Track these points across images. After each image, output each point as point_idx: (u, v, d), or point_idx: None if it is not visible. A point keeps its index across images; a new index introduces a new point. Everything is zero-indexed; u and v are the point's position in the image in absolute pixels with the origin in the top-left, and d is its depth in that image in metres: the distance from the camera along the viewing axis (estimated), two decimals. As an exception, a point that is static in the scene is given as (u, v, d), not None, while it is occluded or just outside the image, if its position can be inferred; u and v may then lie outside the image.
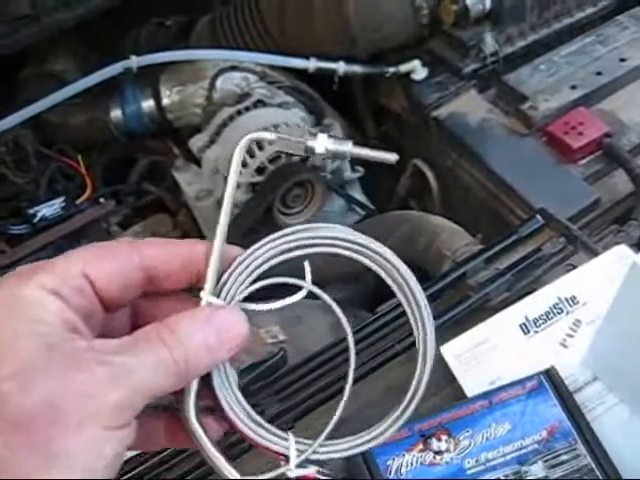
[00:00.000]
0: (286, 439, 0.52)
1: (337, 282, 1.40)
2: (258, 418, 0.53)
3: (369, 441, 0.55)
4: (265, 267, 0.53)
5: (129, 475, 0.92)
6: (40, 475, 0.42)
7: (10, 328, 0.44)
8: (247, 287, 0.53)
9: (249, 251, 0.53)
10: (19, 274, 0.47)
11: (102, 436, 0.43)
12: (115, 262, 0.49)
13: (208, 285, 0.51)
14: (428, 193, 1.51)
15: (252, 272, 0.53)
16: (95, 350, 0.45)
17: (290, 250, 0.54)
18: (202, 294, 0.51)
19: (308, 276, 0.56)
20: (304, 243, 0.54)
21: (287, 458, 0.51)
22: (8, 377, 0.42)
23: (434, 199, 1.48)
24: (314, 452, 0.53)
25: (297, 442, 0.52)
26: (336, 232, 0.54)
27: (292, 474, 0.51)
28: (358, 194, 1.48)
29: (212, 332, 0.49)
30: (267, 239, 0.53)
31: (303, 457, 0.51)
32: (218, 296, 0.51)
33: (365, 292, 1.41)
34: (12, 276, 0.47)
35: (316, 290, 0.56)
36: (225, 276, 0.52)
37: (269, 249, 0.53)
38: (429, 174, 1.48)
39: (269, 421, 0.91)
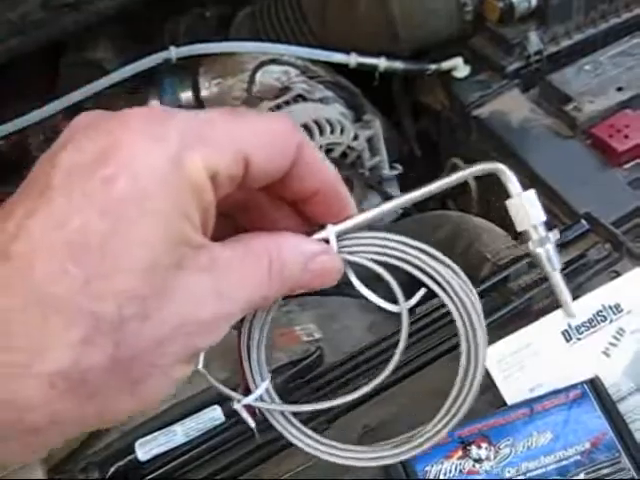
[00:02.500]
0: None
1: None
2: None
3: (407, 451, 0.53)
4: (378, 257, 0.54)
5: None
6: None
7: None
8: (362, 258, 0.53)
9: (380, 233, 0.53)
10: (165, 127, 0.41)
11: None
12: (276, 146, 0.44)
13: (342, 226, 0.51)
14: (466, 193, 1.49)
15: (371, 250, 0.53)
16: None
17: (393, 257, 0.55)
18: (329, 228, 0.50)
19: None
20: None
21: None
22: None
23: (472, 200, 1.46)
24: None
25: None
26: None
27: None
28: (395, 191, 1.46)
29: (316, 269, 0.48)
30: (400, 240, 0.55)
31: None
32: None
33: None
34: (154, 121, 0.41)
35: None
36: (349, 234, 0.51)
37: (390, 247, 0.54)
38: (468, 174, 1.45)
39: (305, 421, 0.90)
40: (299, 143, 0.45)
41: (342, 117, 1.30)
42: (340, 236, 0.52)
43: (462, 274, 0.55)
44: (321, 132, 1.24)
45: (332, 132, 1.25)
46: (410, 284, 1.33)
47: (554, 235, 0.54)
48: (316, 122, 1.25)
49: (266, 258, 0.45)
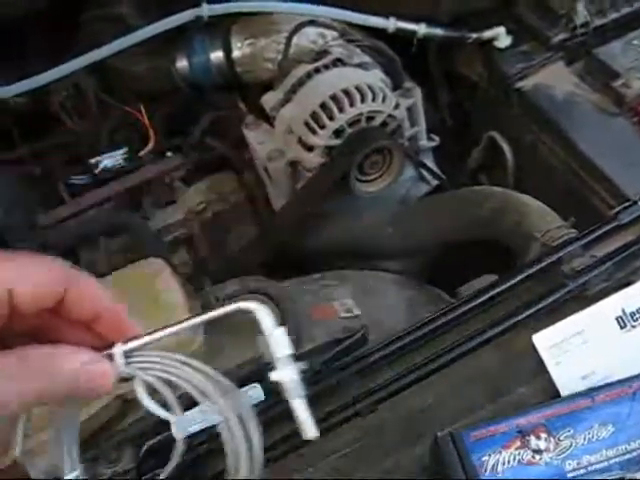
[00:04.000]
0: None
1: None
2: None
3: None
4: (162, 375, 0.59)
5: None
6: None
7: None
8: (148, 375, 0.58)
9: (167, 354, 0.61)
10: None
11: None
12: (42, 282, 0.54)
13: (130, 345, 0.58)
14: (501, 168, 1.44)
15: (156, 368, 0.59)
16: None
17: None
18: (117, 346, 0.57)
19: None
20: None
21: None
22: None
23: (508, 175, 1.41)
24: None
25: None
26: None
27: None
28: (430, 163, 1.41)
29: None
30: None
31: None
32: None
33: (426, 264, 1.35)
34: None
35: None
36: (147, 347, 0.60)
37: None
38: (506, 148, 1.41)
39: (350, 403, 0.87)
40: (67, 277, 0.55)
41: (383, 84, 1.25)
42: (131, 352, 0.58)
43: (237, 393, 0.63)
44: (362, 99, 1.19)
45: (374, 100, 1.19)
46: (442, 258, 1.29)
47: (299, 366, 0.62)
48: (358, 88, 1.19)
49: (38, 362, 0.53)
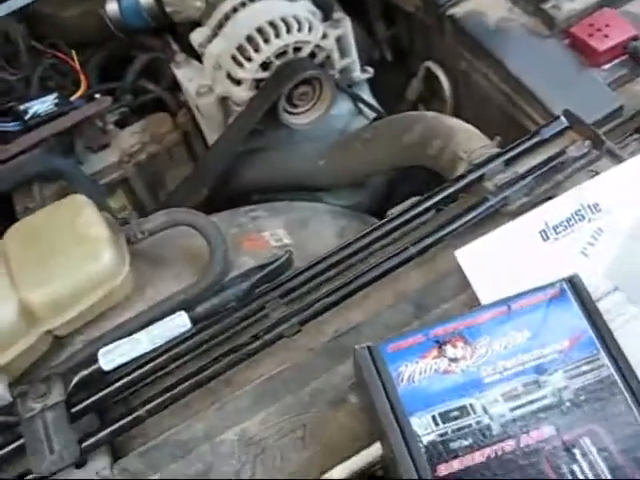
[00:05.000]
0: None
1: (346, 189, 1.35)
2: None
3: None
4: None
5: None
6: None
7: None
8: None
9: None
10: None
11: None
12: None
13: None
14: (439, 98, 1.44)
15: None
16: None
17: None
18: None
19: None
20: None
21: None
22: None
23: (446, 104, 1.42)
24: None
25: None
26: None
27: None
28: (367, 96, 1.40)
29: None
30: None
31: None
32: None
33: (374, 198, 1.36)
34: None
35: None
36: None
37: None
38: (442, 77, 1.41)
39: (276, 324, 0.87)
40: None
41: (310, 15, 1.23)
42: None
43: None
44: (288, 30, 1.18)
45: (300, 30, 1.18)
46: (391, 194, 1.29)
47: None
48: (283, 20, 1.18)
49: None
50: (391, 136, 1.18)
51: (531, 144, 1.00)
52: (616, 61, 1.26)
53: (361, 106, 1.40)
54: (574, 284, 0.83)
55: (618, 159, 1.00)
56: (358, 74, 1.36)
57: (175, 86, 1.38)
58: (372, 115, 1.40)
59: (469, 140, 1.08)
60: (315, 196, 1.32)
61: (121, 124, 1.38)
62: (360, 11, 1.56)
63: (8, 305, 0.92)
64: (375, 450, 0.83)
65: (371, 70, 1.38)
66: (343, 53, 1.30)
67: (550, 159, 0.98)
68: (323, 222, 1.14)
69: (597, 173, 0.98)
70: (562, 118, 1.02)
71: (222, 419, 0.87)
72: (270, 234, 1.06)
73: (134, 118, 1.40)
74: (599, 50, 1.24)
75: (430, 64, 1.43)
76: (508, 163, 0.99)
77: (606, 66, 1.26)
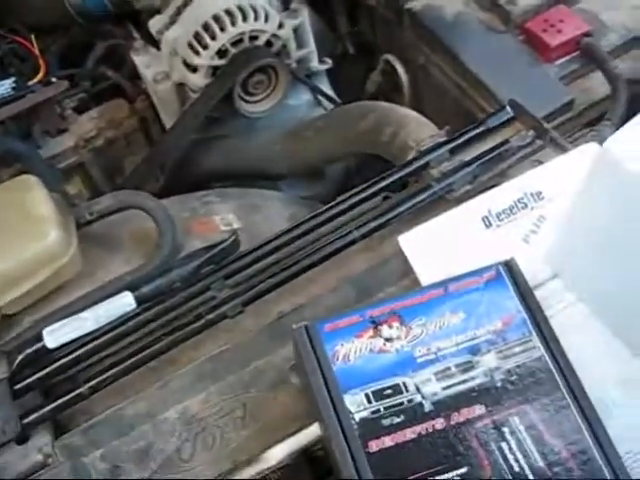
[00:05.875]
0: None
1: (303, 178, 1.36)
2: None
3: None
4: None
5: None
6: None
7: None
8: None
9: None
10: None
11: None
12: None
13: None
14: (398, 91, 1.46)
15: None
16: None
17: None
18: None
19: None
20: None
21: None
22: None
23: (404, 96, 1.43)
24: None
25: None
26: None
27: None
28: (326, 88, 1.42)
29: None
30: None
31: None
32: None
33: (332, 189, 1.37)
34: None
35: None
36: None
37: None
38: (400, 70, 1.43)
39: (220, 304, 0.88)
40: None
41: (267, 4, 1.25)
42: None
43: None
44: (244, 18, 1.19)
45: (256, 19, 1.20)
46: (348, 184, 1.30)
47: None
48: (240, 8, 1.20)
49: None
50: (344, 123, 1.20)
51: (476, 133, 1.02)
52: (569, 57, 1.29)
53: (320, 97, 1.41)
54: (510, 267, 0.85)
55: (562, 149, 1.02)
56: (316, 64, 1.37)
57: (135, 74, 1.39)
58: (330, 107, 1.41)
59: (419, 129, 1.10)
60: (274, 186, 1.33)
61: (79, 110, 1.38)
62: (324, 5, 1.58)
63: (-46, 283, 0.92)
64: (314, 430, 0.85)
65: (329, 61, 1.40)
66: (300, 43, 1.31)
67: (494, 148, 1.00)
68: (274, 208, 1.16)
69: (541, 162, 1.00)
70: (508, 108, 1.04)
71: (164, 397, 0.88)
72: (220, 218, 1.08)
73: (92, 105, 1.40)
74: (552, 45, 1.27)
75: (389, 57, 1.45)
76: (454, 151, 1.00)
77: (559, 61, 1.28)
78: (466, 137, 1.01)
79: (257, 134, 1.30)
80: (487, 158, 0.98)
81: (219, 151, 1.30)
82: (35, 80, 1.33)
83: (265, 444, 0.85)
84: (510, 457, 0.74)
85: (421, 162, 0.98)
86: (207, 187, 1.28)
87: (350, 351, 0.79)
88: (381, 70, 1.48)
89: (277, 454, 0.85)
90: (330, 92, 1.41)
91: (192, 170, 1.31)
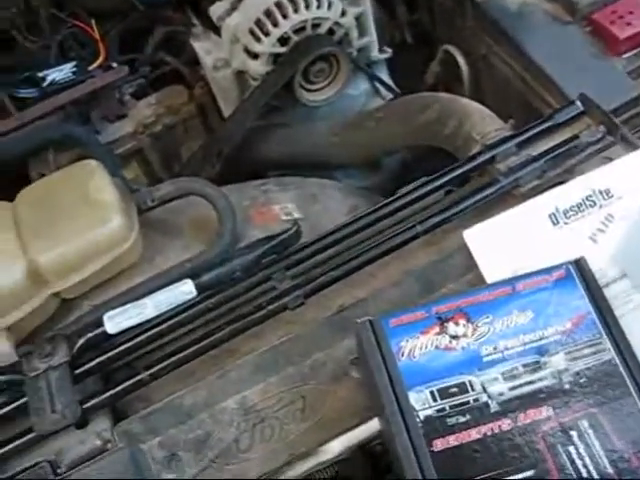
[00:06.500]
0: None
1: (359, 169, 1.35)
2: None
3: None
4: None
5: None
6: None
7: None
8: None
9: None
10: None
11: None
12: None
13: None
14: (458, 81, 1.44)
15: None
16: None
17: None
18: None
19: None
20: None
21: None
22: None
23: (464, 88, 1.41)
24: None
25: None
26: None
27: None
28: (385, 77, 1.40)
29: None
30: None
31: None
32: None
33: (388, 180, 1.36)
34: None
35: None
36: None
37: None
38: (461, 61, 1.40)
39: (281, 295, 0.88)
40: None
41: (332, -6, 1.23)
42: None
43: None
44: (307, 6, 1.18)
45: (319, 6, 1.18)
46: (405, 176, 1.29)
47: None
48: (303, -5, 1.18)
49: None
50: (406, 115, 1.18)
51: (545, 127, 0.99)
52: (637, 50, 1.25)
53: (378, 87, 1.39)
54: (580, 267, 0.83)
55: (632, 146, 0.99)
56: (376, 54, 1.35)
57: (194, 60, 1.38)
58: (389, 96, 1.40)
59: (483, 122, 1.07)
60: (330, 175, 1.32)
61: (138, 96, 1.38)
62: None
63: (17, 267, 0.92)
64: (373, 425, 0.84)
65: (390, 50, 1.38)
66: (362, 32, 1.29)
67: (563, 143, 0.97)
68: (334, 199, 1.14)
69: (610, 159, 0.98)
70: (577, 103, 1.01)
71: (223, 387, 0.87)
72: (280, 208, 1.07)
73: (151, 90, 1.40)
74: (620, 38, 1.23)
75: (449, 47, 1.42)
76: (521, 146, 0.98)
77: (626, 55, 1.25)
78: (534, 131, 0.98)
79: (316, 123, 1.29)
80: (556, 153, 0.96)
81: (277, 139, 1.29)
82: (95, 65, 1.34)
83: (324, 437, 0.84)
84: (578, 462, 0.72)
85: (487, 156, 0.96)
86: (263, 175, 1.28)
87: (415, 347, 0.78)
88: (440, 60, 1.45)
89: (335, 448, 0.85)
90: (389, 82, 1.39)
91: (249, 158, 1.30)
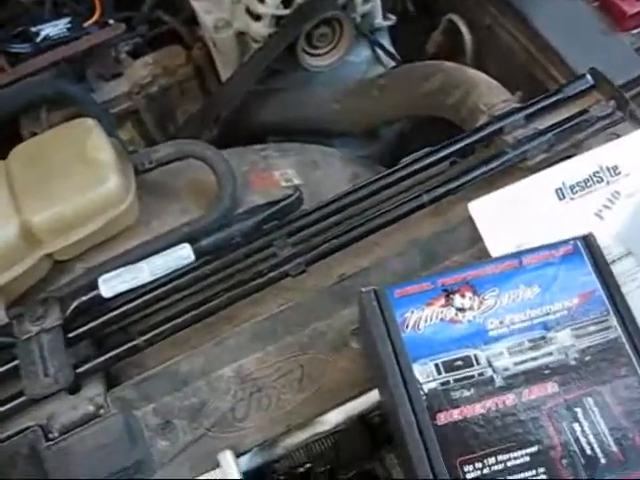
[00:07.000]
0: None
1: (357, 137, 1.33)
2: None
3: None
4: None
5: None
6: None
7: None
8: None
9: None
10: None
11: None
12: None
13: None
14: (460, 52, 1.41)
15: None
16: None
17: None
18: None
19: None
20: None
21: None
22: None
23: (466, 58, 1.38)
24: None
25: None
26: None
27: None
28: (387, 44, 1.37)
29: None
30: None
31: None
32: None
33: (386, 150, 1.34)
34: None
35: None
36: None
37: None
38: (464, 30, 1.38)
39: (282, 263, 0.86)
40: None
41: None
42: None
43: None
44: (312, -32, 1.15)
45: (324, -30, 1.15)
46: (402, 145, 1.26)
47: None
48: (307, -43, 1.15)
49: None
50: (410, 83, 1.16)
51: (553, 101, 0.97)
52: (646, 26, 1.23)
53: (379, 55, 1.37)
54: (588, 243, 0.81)
55: (640, 123, 0.97)
56: (380, 20, 1.33)
57: (192, 19, 1.35)
58: (390, 64, 1.37)
59: (490, 92, 1.05)
60: (327, 143, 1.30)
61: (134, 55, 1.34)
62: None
63: (9, 226, 0.89)
64: (373, 396, 0.83)
65: (393, 18, 1.35)
66: (366, -2, 1.27)
67: (572, 117, 0.95)
68: (334, 166, 1.12)
69: (618, 136, 0.96)
70: (587, 76, 0.99)
71: (220, 355, 0.85)
72: (280, 174, 1.04)
73: (148, 50, 1.36)
74: (629, 13, 1.21)
75: (453, 16, 1.40)
76: (529, 118, 0.96)
77: (635, 30, 1.23)
78: (543, 104, 0.96)
79: (315, 89, 1.26)
80: (564, 127, 0.94)
81: (276, 104, 1.26)
82: (90, 22, 1.30)
83: (322, 408, 0.83)
84: (582, 439, 0.72)
85: (496, 127, 0.94)
86: (260, 141, 1.25)
87: (420, 319, 0.76)
88: (443, 30, 1.42)
89: (333, 419, 0.83)
90: (391, 49, 1.37)
91: (247, 121, 1.27)
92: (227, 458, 0.79)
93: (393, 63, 1.37)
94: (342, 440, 0.87)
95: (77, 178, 0.91)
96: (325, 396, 0.83)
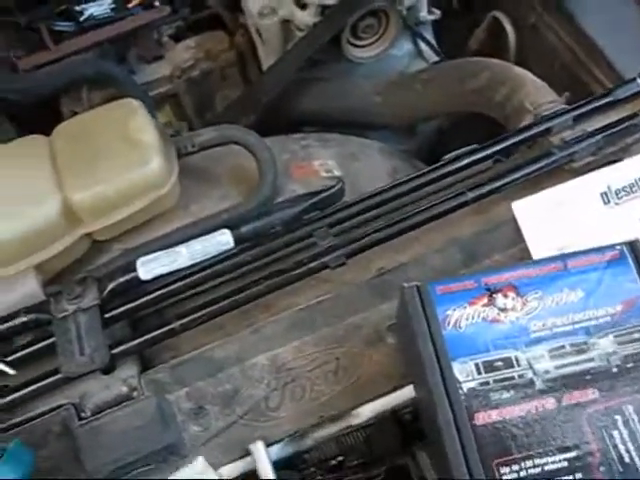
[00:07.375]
0: None
1: (396, 132, 1.32)
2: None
3: None
4: None
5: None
6: None
7: None
8: None
9: None
10: None
11: None
12: None
13: None
14: (503, 49, 1.40)
15: None
16: None
17: None
18: None
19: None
20: None
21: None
22: None
23: (509, 56, 1.37)
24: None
25: None
26: None
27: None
28: (430, 38, 1.36)
29: None
30: None
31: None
32: None
33: (423, 145, 1.33)
34: None
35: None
36: None
37: None
38: (508, 28, 1.36)
39: (322, 253, 0.85)
40: None
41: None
42: None
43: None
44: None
45: (372, -38, 1.14)
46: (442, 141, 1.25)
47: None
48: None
49: None
50: (455, 79, 1.15)
51: (603, 103, 0.96)
52: (698, 32, 1.21)
53: (422, 49, 1.36)
54: (635, 248, 0.80)
55: (691, 130, 0.96)
56: (425, 14, 1.31)
57: (235, 5, 1.34)
58: (431, 59, 1.36)
59: (537, 92, 1.04)
60: (364, 136, 1.29)
61: (176, 38, 1.34)
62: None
63: (51, 203, 0.89)
64: (407, 392, 0.82)
65: (438, 12, 1.34)
66: (413, -10, 1.25)
67: (621, 120, 0.94)
68: (374, 159, 1.11)
69: (667, 141, 0.95)
70: (638, 80, 0.98)
71: (256, 343, 0.85)
72: (320, 164, 1.04)
73: (190, 34, 1.36)
74: (679, 17, 1.19)
75: (497, 13, 1.38)
76: (577, 120, 0.95)
77: (685, 35, 1.21)
78: (592, 106, 0.95)
79: (357, 80, 1.25)
80: (612, 131, 0.93)
81: (318, 94, 1.25)
82: (135, 2, 1.30)
83: (355, 401, 0.83)
84: (621, 447, 0.70)
85: (543, 127, 0.93)
86: (297, 130, 1.24)
87: (462, 317, 0.75)
88: (486, 27, 1.41)
89: (366, 412, 0.83)
90: (434, 43, 1.35)
91: (286, 110, 1.27)
92: (258, 448, 0.79)
93: (434, 58, 1.36)
94: (373, 434, 0.87)
95: (120, 158, 0.90)
96: (359, 390, 0.83)
